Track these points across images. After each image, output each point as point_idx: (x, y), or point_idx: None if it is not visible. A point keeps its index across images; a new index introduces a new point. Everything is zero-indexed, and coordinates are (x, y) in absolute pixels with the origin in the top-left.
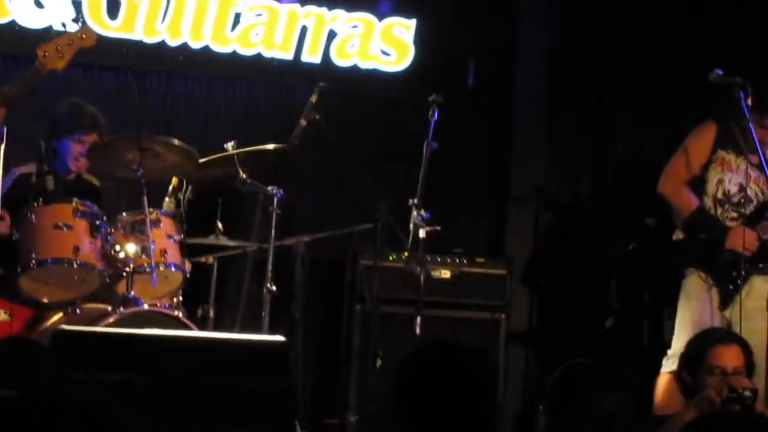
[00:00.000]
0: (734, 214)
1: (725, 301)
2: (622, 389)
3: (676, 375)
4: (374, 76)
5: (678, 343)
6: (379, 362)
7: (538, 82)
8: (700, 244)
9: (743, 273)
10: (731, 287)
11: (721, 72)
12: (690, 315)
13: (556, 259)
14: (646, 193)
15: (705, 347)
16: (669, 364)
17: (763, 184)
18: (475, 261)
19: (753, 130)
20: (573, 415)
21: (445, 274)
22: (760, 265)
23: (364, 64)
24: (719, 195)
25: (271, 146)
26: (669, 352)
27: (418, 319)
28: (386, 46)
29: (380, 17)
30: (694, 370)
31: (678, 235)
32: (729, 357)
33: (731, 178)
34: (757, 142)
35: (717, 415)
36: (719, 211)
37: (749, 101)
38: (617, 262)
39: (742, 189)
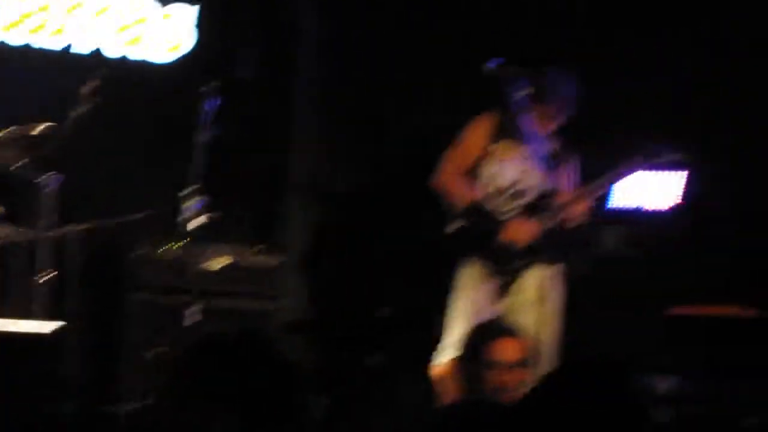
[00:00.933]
0: (511, 206)
1: (501, 292)
2: None
3: (456, 365)
4: (153, 63)
5: (453, 332)
6: (154, 351)
7: (317, 71)
8: (477, 234)
9: (519, 264)
10: (507, 278)
11: (494, 63)
12: (464, 305)
13: (331, 248)
14: (421, 184)
15: (484, 341)
16: (444, 355)
17: (539, 174)
18: (251, 250)
19: (527, 122)
20: None
21: (221, 262)
22: (535, 257)
23: (142, 52)
24: (495, 186)
25: (42, 126)
26: (444, 342)
27: (190, 309)
28: (164, 33)
29: (163, 3)
30: (474, 363)
31: (454, 225)
32: (508, 351)
33: (508, 169)
34: (530, 134)
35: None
36: (495, 202)
37: (524, 92)
38: (392, 251)
39: (519, 181)
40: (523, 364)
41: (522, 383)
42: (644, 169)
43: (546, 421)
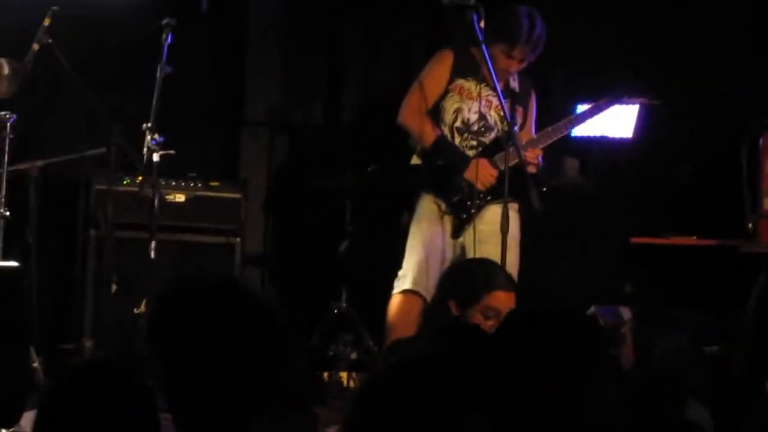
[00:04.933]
0: (474, 143)
1: (457, 230)
2: None
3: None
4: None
5: (408, 263)
6: (114, 287)
7: (273, 5)
8: (437, 170)
9: (477, 202)
10: (464, 216)
11: None
12: (421, 237)
13: (290, 182)
14: (380, 117)
15: (485, 288)
16: (400, 285)
17: (500, 113)
18: (210, 185)
19: (488, 55)
20: None
21: (180, 198)
22: (494, 195)
23: None
24: (458, 123)
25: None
26: (400, 273)
27: (153, 244)
28: None
29: None
30: (464, 304)
31: (415, 160)
32: (506, 303)
33: (471, 106)
34: (491, 69)
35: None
36: (458, 139)
37: (482, 24)
38: (352, 185)
39: (483, 117)
40: None
41: None
42: (605, 110)
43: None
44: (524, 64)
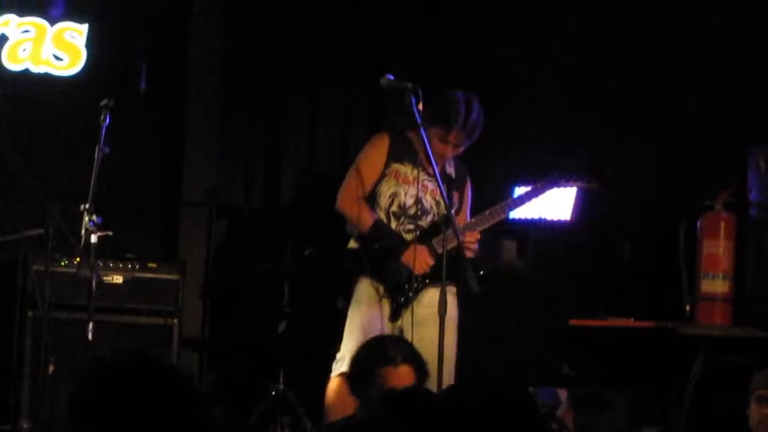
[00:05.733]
0: (410, 226)
1: (395, 313)
2: None
3: (346, 377)
4: (46, 80)
5: (346, 347)
6: (51, 368)
7: (211, 84)
8: (375, 254)
9: (415, 286)
10: (402, 299)
11: (392, 77)
12: (360, 321)
13: (229, 263)
14: (318, 198)
15: (374, 367)
16: (338, 368)
17: (438, 196)
18: (148, 266)
19: (426, 139)
20: None
21: (118, 279)
22: (431, 279)
23: (36, 68)
24: (394, 208)
25: None
26: (338, 355)
27: (91, 325)
28: (58, 50)
29: (52, 22)
30: (363, 388)
31: (353, 243)
32: (400, 378)
33: (407, 190)
34: (429, 151)
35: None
36: (394, 223)
37: (420, 106)
38: (290, 266)
39: (419, 201)
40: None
41: None
42: (543, 193)
43: None
44: (460, 150)
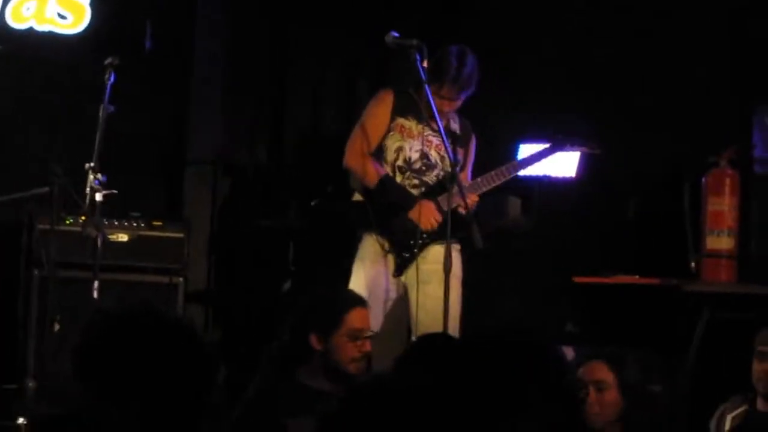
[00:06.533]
0: (416, 181)
1: (400, 268)
2: None
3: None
4: (51, 38)
5: None
6: (56, 327)
7: (216, 44)
8: (381, 209)
9: (420, 242)
10: (407, 255)
11: (397, 34)
12: (364, 277)
13: (233, 222)
14: (323, 157)
15: (342, 310)
16: None
17: (444, 152)
18: (153, 224)
19: (430, 96)
20: None
21: (123, 237)
22: (436, 236)
23: (41, 27)
24: (400, 162)
25: None
26: None
27: (96, 284)
28: (62, 9)
29: None
30: (326, 333)
31: (357, 197)
32: (365, 320)
33: (412, 145)
34: (434, 108)
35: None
36: (400, 178)
37: (425, 64)
38: (295, 225)
39: (424, 155)
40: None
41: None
42: (548, 156)
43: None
44: (456, 103)
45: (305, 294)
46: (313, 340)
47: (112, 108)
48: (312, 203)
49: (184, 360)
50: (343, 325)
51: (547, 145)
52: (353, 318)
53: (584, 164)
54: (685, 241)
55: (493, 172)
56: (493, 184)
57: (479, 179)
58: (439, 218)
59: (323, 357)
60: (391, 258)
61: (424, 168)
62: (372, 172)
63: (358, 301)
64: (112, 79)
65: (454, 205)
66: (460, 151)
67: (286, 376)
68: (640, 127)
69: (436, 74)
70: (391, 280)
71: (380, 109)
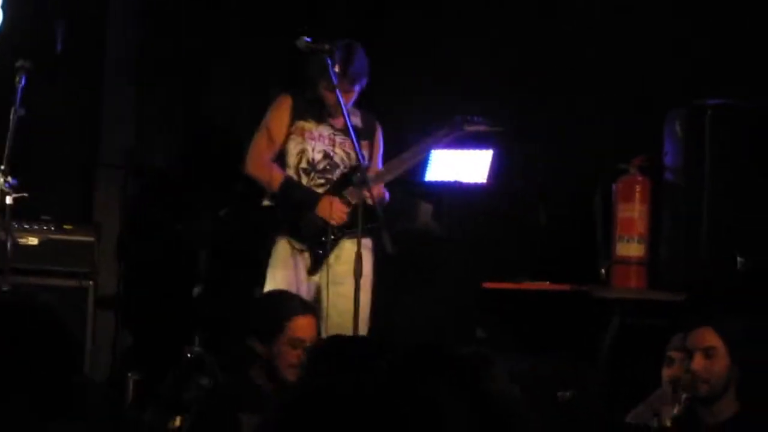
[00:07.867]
0: (321, 181)
1: (314, 266)
2: None
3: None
4: None
5: None
6: None
7: (128, 44)
8: (288, 210)
9: (332, 238)
10: (320, 252)
11: (309, 39)
12: (279, 281)
13: (145, 225)
14: (234, 160)
15: (284, 317)
16: None
17: (348, 148)
18: (63, 228)
19: (341, 97)
20: None
21: (33, 240)
22: (348, 230)
23: None
24: (303, 164)
25: None
26: None
27: (4, 287)
28: None
29: None
30: (268, 338)
31: (266, 201)
32: (308, 328)
33: (314, 146)
34: (344, 107)
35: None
36: (305, 179)
37: (337, 68)
38: (206, 229)
39: (327, 155)
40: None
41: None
42: (451, 139)
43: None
44: (350, 96)
45: (253, 298)
46: (257, 345)
47: (23, 111)
48: (221, 213)
49: (41, 344)
50: (285, 332)
51: (447, 126)
52: (296, 326)
53: (495, 169)
54: (595, 248)
55: (395, 160)
56: (397, 172)
57: (382, 168)
58: (347, 210)
59: (266, 361)
60: (305, 257)
61: (328, 167)
62: (275, 177)
63: (303, 309)
64: (23, 81)
65: (360, 199)
66: (365, 144)
67: (240, 375)
68: (552, 133)
69: (323, 70)
70: (304, 280)
71: (279, 113)
